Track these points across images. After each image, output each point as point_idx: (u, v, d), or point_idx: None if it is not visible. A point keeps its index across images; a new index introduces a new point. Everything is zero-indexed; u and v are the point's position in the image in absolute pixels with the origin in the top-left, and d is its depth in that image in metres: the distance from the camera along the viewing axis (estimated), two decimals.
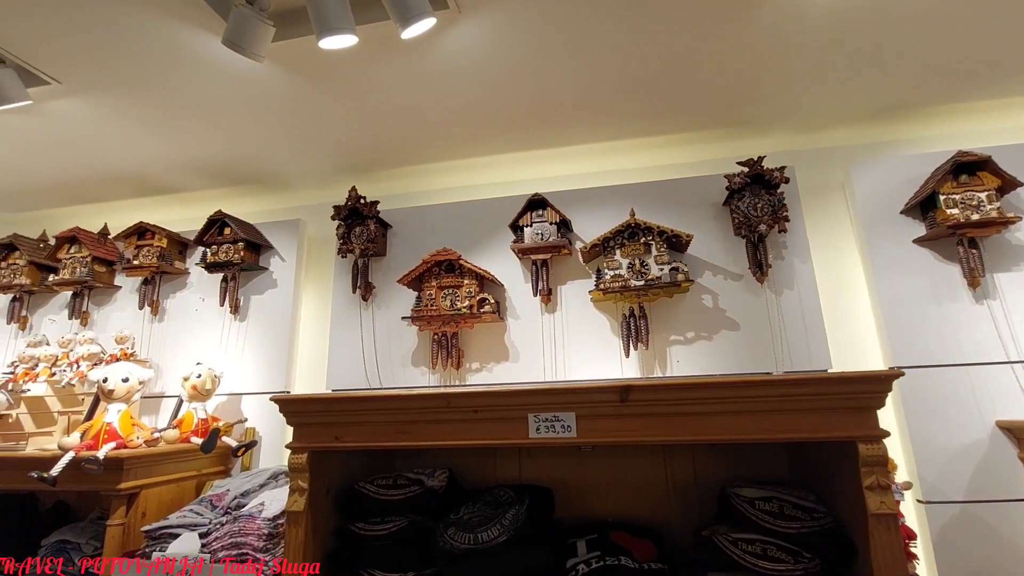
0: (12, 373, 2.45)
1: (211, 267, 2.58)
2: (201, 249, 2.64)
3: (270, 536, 1.65)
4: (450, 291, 2.28)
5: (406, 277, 2.30)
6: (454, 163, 2.68)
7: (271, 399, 1.65)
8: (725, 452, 1.81)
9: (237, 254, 2.55)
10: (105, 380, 1.96)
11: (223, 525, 1.69)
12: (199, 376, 2.29)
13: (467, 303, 2.23)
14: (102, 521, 2.32)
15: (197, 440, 2.15)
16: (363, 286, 2.47)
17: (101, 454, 1.78)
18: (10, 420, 2.12)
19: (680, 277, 2.08)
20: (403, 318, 2.29)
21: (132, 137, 2.30)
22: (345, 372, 2.46)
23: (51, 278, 2.78)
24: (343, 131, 2.35)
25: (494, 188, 2.71)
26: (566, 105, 2.22)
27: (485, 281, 2.32)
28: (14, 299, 2.89)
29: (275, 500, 1.77)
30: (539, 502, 1.70)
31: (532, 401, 1.39)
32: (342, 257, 2.50)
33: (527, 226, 2.31)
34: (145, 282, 2.74)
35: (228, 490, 1.92)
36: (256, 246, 2.64)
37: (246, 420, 2.39)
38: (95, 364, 2.38)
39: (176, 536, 1.72)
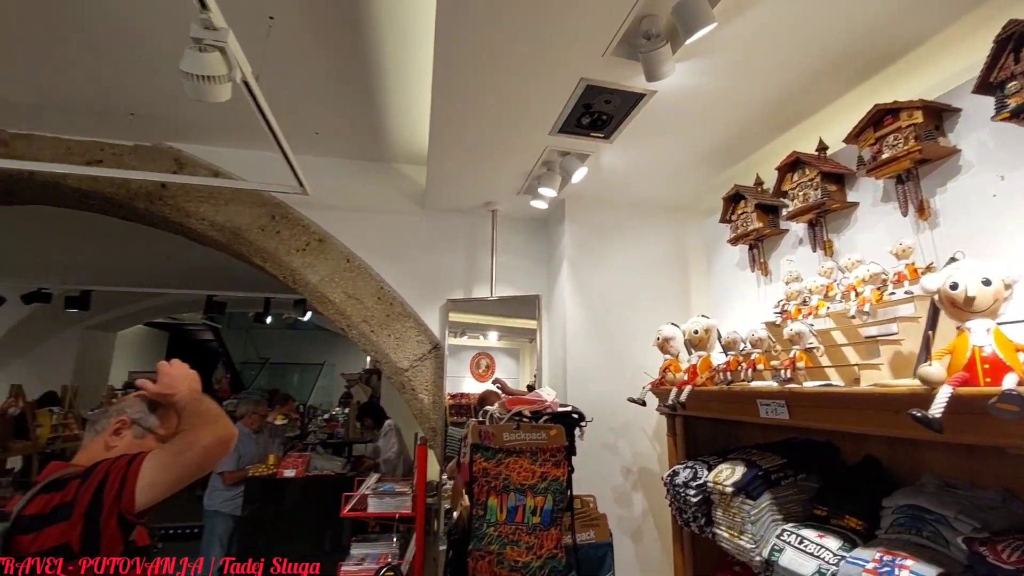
0: (784, 311, 2.29)
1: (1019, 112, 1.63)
2: (984, 101, 1.75)
3: None
4: None
5: None
6: None
7: None
8: None
9: None
10: (954, 286, 1.34)
11: None
12: None
13: None
14: (959, 492, 1.73)
15: None
16: None
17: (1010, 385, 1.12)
18: (818, 353, 1.85)
19: None
20: None
21: None
22: None
23: (783, 213, 2.59)
24: None
25: None
26: None
27: None
28: (751, 247, 2.89)
29: None
30: None
31: None
32: None
33: None
34: (899, 181, 2.09)
35: None
36: None
37: None
38: (880, 287, 1.87)
39: None
